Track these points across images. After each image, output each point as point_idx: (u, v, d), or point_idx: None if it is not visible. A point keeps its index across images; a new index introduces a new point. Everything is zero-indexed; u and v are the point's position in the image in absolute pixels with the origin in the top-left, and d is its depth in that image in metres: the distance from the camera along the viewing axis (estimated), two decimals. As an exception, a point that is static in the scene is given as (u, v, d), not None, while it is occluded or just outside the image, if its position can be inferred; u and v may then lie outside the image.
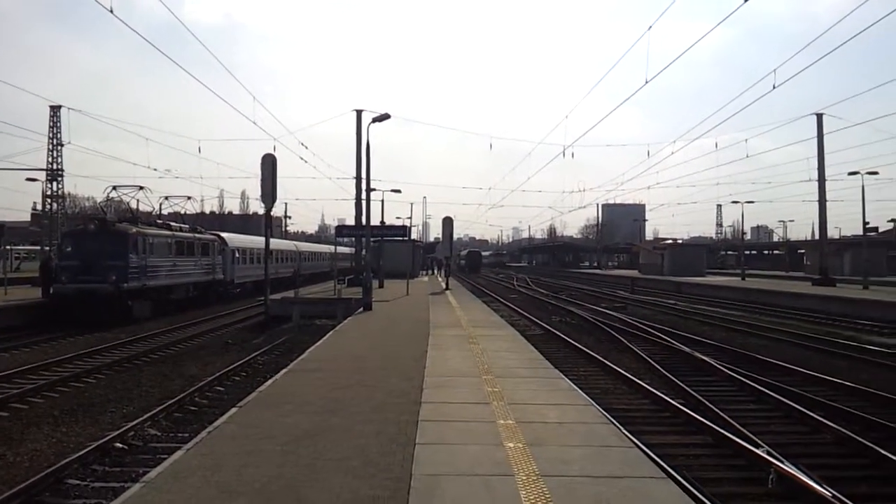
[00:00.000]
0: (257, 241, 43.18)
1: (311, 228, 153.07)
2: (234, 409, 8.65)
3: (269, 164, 25.57)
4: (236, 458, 6.39)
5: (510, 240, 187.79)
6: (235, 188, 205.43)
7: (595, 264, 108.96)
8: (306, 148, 36.72)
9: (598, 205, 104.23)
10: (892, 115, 66.27)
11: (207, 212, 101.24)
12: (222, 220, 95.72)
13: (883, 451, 8.63)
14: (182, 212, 37.41)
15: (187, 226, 35.74)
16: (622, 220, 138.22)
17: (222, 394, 13.57)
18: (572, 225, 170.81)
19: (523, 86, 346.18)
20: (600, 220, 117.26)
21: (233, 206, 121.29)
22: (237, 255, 40.69)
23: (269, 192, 25.63)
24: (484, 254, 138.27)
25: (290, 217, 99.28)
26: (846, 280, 45.84)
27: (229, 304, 35.46)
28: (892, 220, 37.25)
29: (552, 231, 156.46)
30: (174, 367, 16.87)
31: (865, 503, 6.96)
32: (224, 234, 41.19)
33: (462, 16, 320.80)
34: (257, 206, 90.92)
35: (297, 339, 21.01)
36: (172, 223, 33.85)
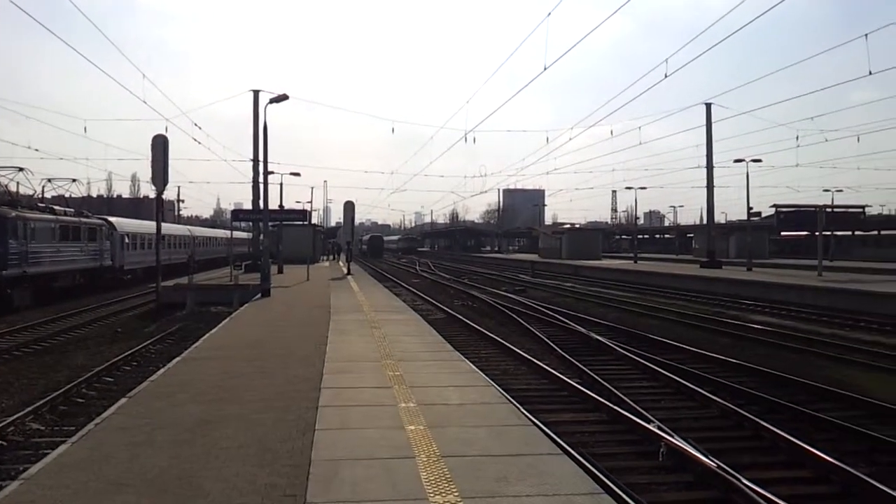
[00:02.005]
0: (148, 226, 41.57)
1: (207, 213, 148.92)
2: (123, 400, 8.29)
3: (160, 146, 24.59)
4: (127, 450, 6.13)
5: (413, 224, 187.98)
6: (125, 171, 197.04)
7: (496, 249, 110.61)
8: (200, 129, 35.67)
9: (499, 190, 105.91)
10: (775, 104, 70.18)
11: (95, 195, 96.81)
12: (111, 205, 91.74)
13: (763, 423, 9.14)
14: (67, 195, 35.52)
15: (72, 210, 34.01)
16: (522, 205, 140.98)
17: (111, 384, 13.02)
18: (474, 210, 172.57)
19: (426, 70, 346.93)
20: (501, 204, 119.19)
21: (122, 190, 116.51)
22: (127, 240, 39.10)
23: (160, 174, 24.66)
24: (392, 238, 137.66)
25: (183, 201, 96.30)
26: (732, 262, 48.25)
27: (119, 291, 34.04)
28: (774, 206, 39.31)
29: (454, 216, 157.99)
30: (60, 357, 16.05)
31: (746, 471, 7.32)
32: (112, 219, 39.46)
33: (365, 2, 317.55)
34: (149, 190, 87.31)
35: (192, 326, 20.37)
36: (56, 207, 32.10)
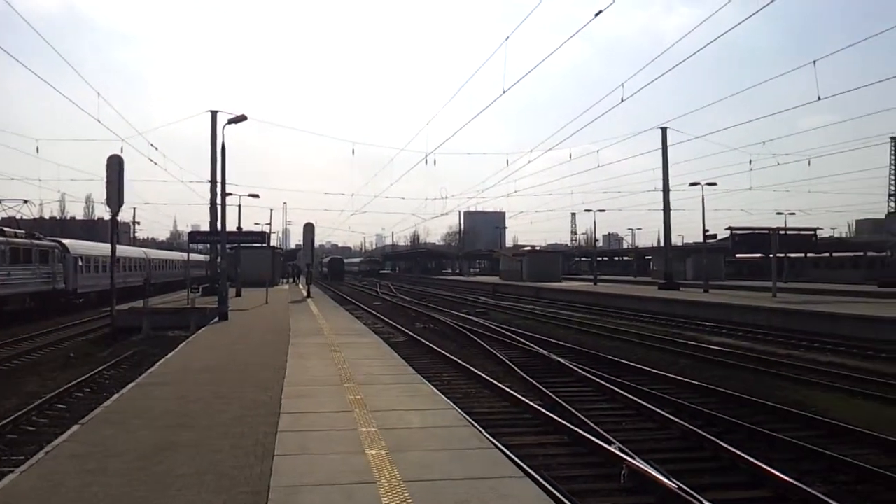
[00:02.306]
0: (103, 248, 40.69)
1: (163, 235, 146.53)
2: (76, 427, 8.04)
3: (115, 166, 24.12)
4: (78, 478, 5.93)
5: (374, 247, 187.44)
6: (79, 192, 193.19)
7: (458, 271, 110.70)
8: (157, 149, 35.14)
9: (459, 212, 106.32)
10: (729, 128, 72.03)
11: (47, 217, 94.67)
12: (64, 226, 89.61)
13: (722, 444, 9.22)
14: (18, 216, 34.66)
15: (24, 231, 33.18)
16: (483, 228, 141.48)
17: (63, 412, 12.62)
18: (435, 232, 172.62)
19: (386, 92, 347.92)
20: (462, 227, 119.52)
21: (76, 212, 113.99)
22: (80, 262, 38.24)
23: (115, 195, 24.17)
24: (353, 261, 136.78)
25: (139, 223, 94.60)
26: (689, 284, 48.94)
27: (72, 315, 33.22)
28: (729, 229, 40.06)
29: (415, 238, 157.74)
30: (9, 383, 15.54)
31: (707, 492, 7.36)
32: (65, 241, 38.56)
33: (325, 21, 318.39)
34: (103, 211, 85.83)
35: (147, 351, 19.89)
36: (6, 229, 31.30)
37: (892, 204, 54.29)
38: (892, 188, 54.11)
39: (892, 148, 53.76)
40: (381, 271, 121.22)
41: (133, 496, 5.50)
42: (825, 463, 8.81)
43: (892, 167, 53.92)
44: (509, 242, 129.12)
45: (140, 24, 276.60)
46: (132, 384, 11.13)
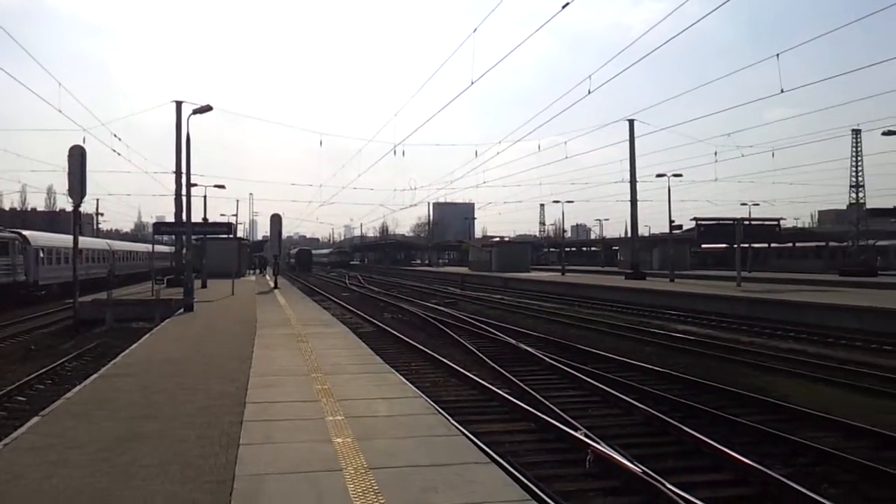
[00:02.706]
0: (65, 240, 39.98)
1: (128, 226, 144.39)
2: (36, 419, 7.90)
3: (77, 157, 23.74)
4: (38, 470, 5.83)
5: (342, 238, 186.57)
6: (40, 183, 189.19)
7: (427, 262, 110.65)
8: (120, 140, 34.55)
9: (429, 203, 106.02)
10: (694, 120, 72.84)
11: (7, 208, 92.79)
12: (25, 218, 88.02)
13: (685, 428, 9.35)
14: (-23, 208, 33.94)
15: (-17, 223, 32.49)
16: (452, 219, 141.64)
17: (24, 404, 12.40)
18: (404, 223, 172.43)
19: (354, 82, 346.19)
20: (431, 218, 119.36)
21: (38, 203, 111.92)
22: (41, 254, 37.51)
23: (77, 186, 23.79)
24: (322, 252, 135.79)
25: (102, 214, 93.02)
26: (655, 274, 49.52)
27: (34, 307, 32.56)
28: (695, 219, 40.57)
29: (384, 229, 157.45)
30: (-34, 377, 15.21)
31: (671, 476, 7.46)
32: (26, 232, 37.82)
33: (292, 11, 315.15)
34: (65, 203, 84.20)
35: (111, 343, 19.61)
36: (-36, 220, 30.63)
37: (854, 195, 55.27)
38: (854, 180, 55.09)
39: (854, 140, 54.71)
40: (351, 262, 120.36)
41: (95, 487, 5.43)
42: (786, 446, 8.98)
43: (854, 159, 54.89)
44: (478, 233, 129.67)
45: (104, 13, 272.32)
46: (95, 375, 10.97)
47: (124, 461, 6.12)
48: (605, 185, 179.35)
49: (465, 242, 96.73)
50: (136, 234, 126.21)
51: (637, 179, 47.05)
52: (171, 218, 39.67)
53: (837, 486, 7.58)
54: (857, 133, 54.72)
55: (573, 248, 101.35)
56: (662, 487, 6.94)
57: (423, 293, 43.37)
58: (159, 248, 56.02)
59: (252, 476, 5.66)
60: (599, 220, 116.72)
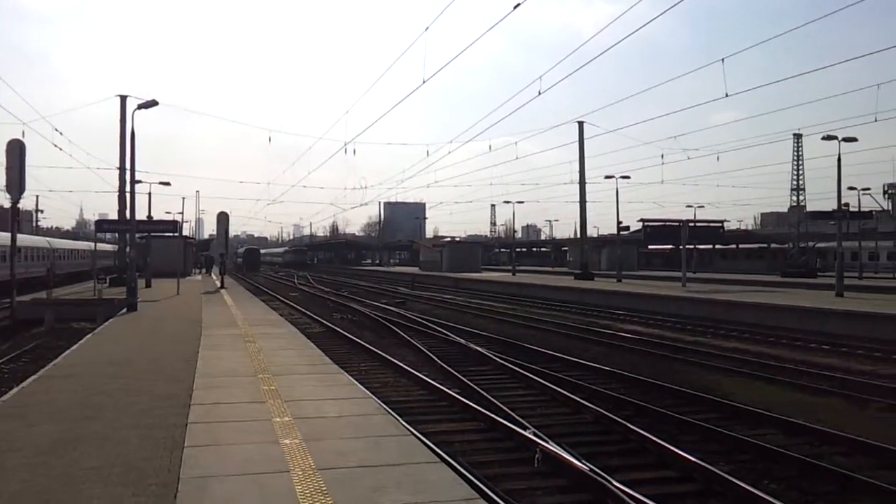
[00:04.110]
0: (2, 238, 38.75)
1: (69, 224, 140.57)
2: (-32, 423, 7.63)
3: (16, 151, 23.03)
4: (-31, 477, 5.62)
5: (291, 237, 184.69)
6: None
7: (378, 262, 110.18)
8: (62, 134, 33.57)
9: (379, 202, 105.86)
10: (642, 123, 74.22)
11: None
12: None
13: (632, 427, 9.49)
14: None
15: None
16: (403, 218, 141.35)
17: (-43, 408, 11.95)
18: (355, 222, 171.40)
19: (303, 79, 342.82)
20: (382, 217, 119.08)
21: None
22: (-23, 252, 36.25)
23: (15, 182, 23.07)
24: (276, 251, 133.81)
25: (42, 211, 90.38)
26: (603, 274, 50.18)
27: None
28: (642, 220, 41.30)
29: (334, 228, 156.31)
30: None
31: (617, 473, 7.57)
32: (-41, 230, 36.54)
33: (241, 4, 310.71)
34: (3, 199, 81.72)
35: (51, 344, 19.06)
36: None
37: (795, 198, 56.98)
38: (795, 183, 56.78)
39: (795, 144, 56.38)
40: (310, 262, 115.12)
41: (34, 491, 5.28)
42: (728, 443, 9.19)
43: (795, 163, 56.57)
44: (429, 233, 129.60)
45: (46, 3, 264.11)
46: (33, 377, 10.65)
47: (64, 464, 5.96)
48: (555, 186, 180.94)
49: (416, 242, 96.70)
50: (78, 232, 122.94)
51: (586, 181, 47.72)
52: (114, 215, 38.85)
53: (778, 482, 7.78)
54: (798, 137, 56.51)
55: (524, 249, 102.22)
56: (609, 485, 7.02)
57: (373, 293, 43.18)
58: (102, 246, 54.67)
59: (197, 478, 5.56)
60: (549, 221, 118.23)
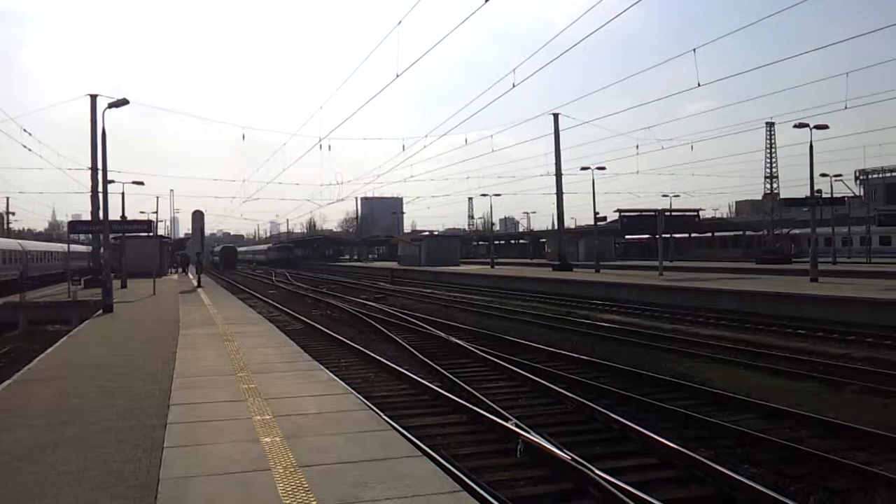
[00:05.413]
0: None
1: (41, 225, 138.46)
2: (-59, 429, 7.49)
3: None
4: (-57, 484, 5.52)
5: (268, 234, 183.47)
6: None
7: (356, 257, 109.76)
8: (31, 135, 33.01)
9: (356, 198, 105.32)
10: (617, 114, 74.71)
11: None
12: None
13: (612, 415, 9.55)
14: None
15: None
16: (381, 213, 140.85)
17: (-71, 414, 11.75)
18: (332, 218, 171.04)
19: (277, 74, 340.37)
20: (359, 212, 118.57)
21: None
22: (-53, 257, 35.72)
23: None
24: (259, 248, 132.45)
25: (13, 213, 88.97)
26: (581, 265, 50.43)
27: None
28: (618, 211, 41.55)
29: (311, 225, 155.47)
30: None
31: (599, 462, 7.61)
32: (-69, 234, 35.94)
33: (212, 2, 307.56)
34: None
35: (25, 347, 18.85)
36: None
37: (769, 186, 57.55)
38: (768, 171, 57.35)
39: (768, 133, 56.91)
40: (291, 258, 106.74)
41: (9, 497, 5.19)
42: (708, 429, 9.27)
43: (768, 151, 57.13)
44: (407, 228, 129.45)
45: (14, 2, 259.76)
46: (7, 382, 10.48)
47: (40, 469, 5.88)
48: (531, 179, 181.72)
49: (394, 237, 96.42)
50: (51, 234, 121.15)
51: (562, 172, 47.87)
52: (87, 216, 38.24)
53: (758, 466, 7.86)
54: (770, 126, 56.98)
55: (502, 241, 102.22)
56: (591, 473, 7.05)
57: (352, 289, 43.03)
58: (75, 247, 54.04)
59: (177, 479, 5.51)
60: (527, 213, 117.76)
